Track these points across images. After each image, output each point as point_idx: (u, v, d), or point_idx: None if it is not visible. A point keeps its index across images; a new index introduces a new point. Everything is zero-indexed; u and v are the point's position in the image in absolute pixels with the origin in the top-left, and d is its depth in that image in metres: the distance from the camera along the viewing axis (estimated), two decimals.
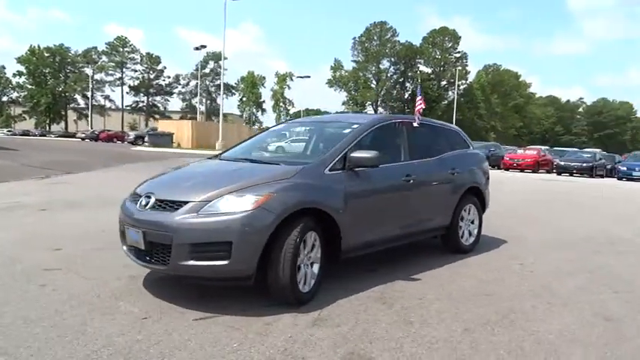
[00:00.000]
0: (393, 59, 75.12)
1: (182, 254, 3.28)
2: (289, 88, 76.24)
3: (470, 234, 5.47)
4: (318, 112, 69.35)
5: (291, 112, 78.59)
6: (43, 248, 5.00)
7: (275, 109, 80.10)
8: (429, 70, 76.10)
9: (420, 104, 4.97)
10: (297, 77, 69.20)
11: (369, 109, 76.61)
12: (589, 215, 9.75)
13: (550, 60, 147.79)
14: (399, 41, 74.63)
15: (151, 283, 3.97)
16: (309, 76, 76.83)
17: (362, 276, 4.36)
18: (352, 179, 3.96)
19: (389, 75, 76.75)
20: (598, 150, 34.19)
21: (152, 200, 3.56)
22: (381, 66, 75.64)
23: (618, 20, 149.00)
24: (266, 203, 3.34)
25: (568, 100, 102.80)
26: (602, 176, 24.78)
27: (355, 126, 4.38)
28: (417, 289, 4.10)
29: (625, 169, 23.05)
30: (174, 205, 3.44)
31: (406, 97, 77.05)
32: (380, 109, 77.00)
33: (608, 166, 26.27)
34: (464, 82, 74.15)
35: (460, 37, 74.86)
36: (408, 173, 4.54)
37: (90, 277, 4.14)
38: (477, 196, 5.57)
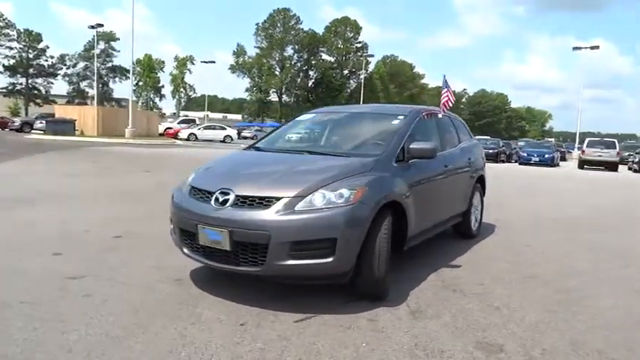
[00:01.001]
0: (297, 47, 75.23)
1: (281, 253, 3.08)
2: (190, 72, 73.14)
3: (475, 219, 5.78)
4: (216, 98, 67.51)
5: (192, 97, 75.63)
6: (39, 254, 4.35)
7: (175, 94, 76.48)
8: (332, 59, 77.52)
9: (445, 97, 5.10)
10: (201, 62, 66.52)
11: (273, 97, 76.28)
12: (537, 197, 10.79)
13: (435, 53, 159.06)
14: (302, 29, 74.92)
15: (205, 286, 3.66)
16: (213, 62, 73.64)
17: (405, 265, 4.37)
18: (411, 170, 3.98)
19: (293, 62, 76.78)
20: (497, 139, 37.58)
21: (232, 197, 3.28)
22: (285, 53, 75.42)
23: (493, 17, 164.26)
24: (363, 197, 3.25)
25: (454, 91, 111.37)
26: (503, 161, 27.31)
27: (401, 117, 4.39)
28: (467, 275, 4.25)
29: (525, 155, 25.69)
30: (264, 202, 3.20)
31: (310, 85, 77.81)
32: (284, 97, 76.98)
33: (507, 153, 29.11)
34: (365, 72, 76.75)
35: (361, 28, 77.25)
36: (446, 163, 4.68)
37: (129, 282, 3.73)
38: (481, 183, 5.89)
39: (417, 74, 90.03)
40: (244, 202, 3.25)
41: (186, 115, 58.96)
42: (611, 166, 23.51)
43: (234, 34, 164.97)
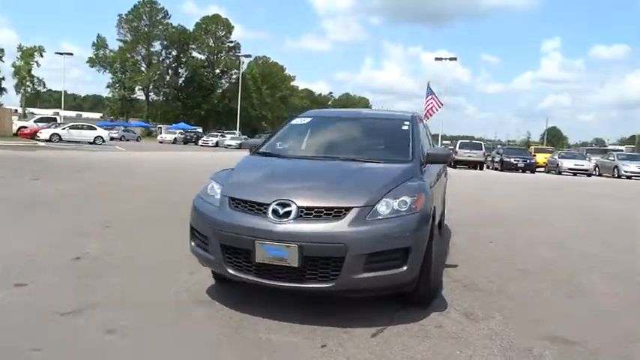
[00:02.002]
0: (165, 42, 71.25)
1: (356, 266, 2.93)
2: (38, 65, 64.90)
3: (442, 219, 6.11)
4: (65, 93, 61.13)
5: (37, 93, 67.00)
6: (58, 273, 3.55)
7: (19, 88, 67.17)
8: (203, 57, 75.07)
9: (430, 104, 5.32)
10: (56, 54, 59.41)
11: (140, 94, 71.33)
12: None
13: (300, 56, 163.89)
14: (171, 24, 71.21)
15: (237, 306, 3.33)
16: (71, 54, 65.72)
17: None
18: (425, 174, 4.08)
19: (161, 59, 72.58)
20: None
21: (294, 208, 3.03)
22: (152, 49, 70.91)
23: (353, 24, 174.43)
24: (423, 204, 3.24)
25: (320, 94, 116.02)
26: None
27: (407, 122, 4.44)
28: (471, 274, 4.48)
29: None
30: (333, 213, 3.01)
31: (180, 83, 74.38)
32: (152, 95, 72.49)
33: None
34: (237, 71, 75.74)
35: (233, 27, 76.08)
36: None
37: (147, 308, 3.23)
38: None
39: (287, 76, 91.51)
40: (309, 213, 3.02)
41: (32, 113, 52.44)
42: (479, 165, 26.63)
43: (92, 26, 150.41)
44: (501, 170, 25.45)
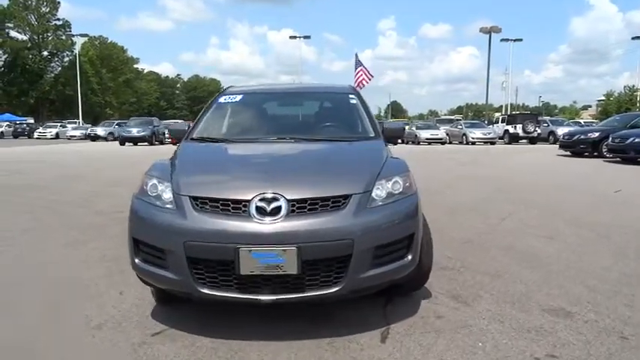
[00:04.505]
0: None
1: (364, 264, 2.49)
2: None
3: None
4: None
5: None
6: None
7: None
8: (26, 38, 65.06)
9: (360, 76, 4.94)
10: None
11: None
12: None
13: (139, 36, 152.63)
14: None
15: (192, 328, 2.67)
16: None
17: None
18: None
19: None
20: None
21: (283, 203, 2.45)
22: None
23: (195, 2, 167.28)
24: (413, 182, 2.90)
25: (167, 77, 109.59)
26: None
27: (352, 95, 4.02)
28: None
29: None
30: (330, 203, 2.51)
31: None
32: None
33: None
34: (69, 53, 67.30)
35: (59, 3, 66.90)
36: None
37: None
38: None
39: (130, 58, 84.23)
40: (303, 207, 2.48)
41: None
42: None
43: None
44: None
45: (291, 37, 42.50)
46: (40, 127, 42.31)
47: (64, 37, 66.48)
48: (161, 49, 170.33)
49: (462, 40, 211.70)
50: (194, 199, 2.55)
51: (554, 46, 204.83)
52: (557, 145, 18.68)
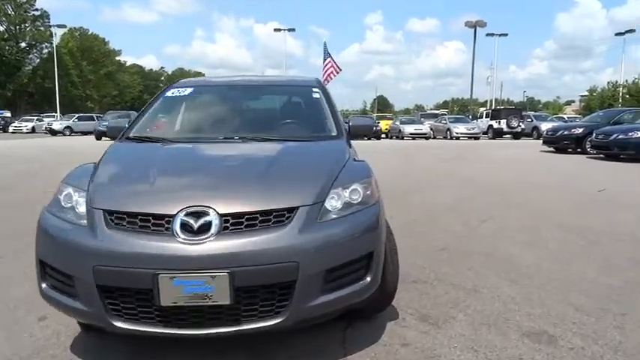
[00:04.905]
0: None
1: (312, 290, 2.10)
2: None
3: None
4: None
5: None
6: None
7: None
8: (2, 29, 63.22)
9: (330, 68, 4.52)
10: None
11: None
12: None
13: (123, 28, 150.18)
14: None
15: None
16: None
17: None
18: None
19: None
20: None
21: (214, 218, 2.04)
22: None
23: None
24: (376, 190, 2.52)
25: (152, 69, 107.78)
26: None
27: (316, 89, 3.61)
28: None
29: None
30: (272, 218, 2.11)
31: None
32: None
33: None
34: (48, 45, 65.60)
35: None
36: None
37: None
38: None
39: (112, 50, 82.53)
40: (239, 223, 2.07)
41: None
42: None
43: None
44: (351, 139, 26.26)
45: (275, 30, 41.80)
46: (16, 121, 41.11)
47: (42, 29, 64.75)
48: (146, 41, 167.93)
49: (449, 35, 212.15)
50: (109, 213, 2.12)
51: (540, 41, 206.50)
52: (541, 141, 18.50)
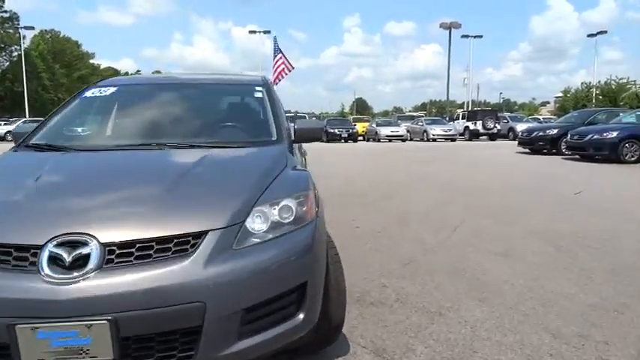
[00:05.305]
0: None
1: (227, 334, 1.68)
2: None
3: None
4: None
5: None
6: None
7: None
8: None
9: (280, 66, 4.10)
10: None
11: None
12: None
13: (98, 30, 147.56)
14: None
15: None
16: None
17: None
18: (297, 156, 2.96)
19: None
20: None
21: (95, 249, 1.59)
22: None
23: None
24: (314, 205, 2.09)
25: (127, 72, 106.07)
26: None
27: (259, 88, 3.17)
28: (358, 275, 3.56)
29: None
30: (172, 247, 1.67)
31: None
32: None
33: None
34: (18, 47, 63.73)
35: None
36: None
37: None
38: None
39: (85, 53, 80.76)
40: (127, 254, 1.63)
41: None
42: None
43: None
44: (327, 142, 25.93)
45: (250, 32, 41.17)
46: None
47: (11, 31, 62.87)
48: (121, 44, 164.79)
49: (426, 38, 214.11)
50: None
51: (515, 44, 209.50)
52: (517, 142, 18.41)
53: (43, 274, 1.55)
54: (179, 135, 2.71)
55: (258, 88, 3.17)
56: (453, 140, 26.85)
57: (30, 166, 2.30)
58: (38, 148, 2.57)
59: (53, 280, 1.54)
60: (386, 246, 4.43)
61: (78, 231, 1.62)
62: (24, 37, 57.57)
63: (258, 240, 1.81)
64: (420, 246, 4.44)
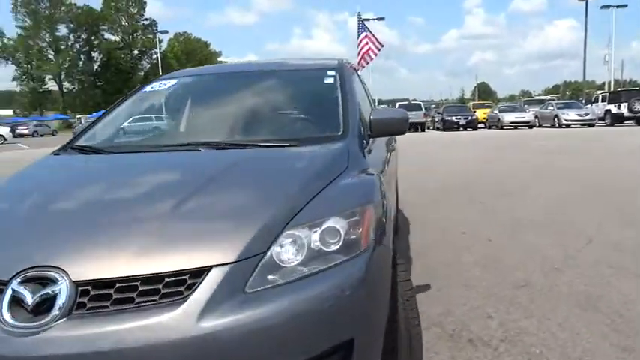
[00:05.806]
0: (71, 25, 64.84)
1: None
2: None
3: None
4: None
5: None
6: None
7: None
8: (118, 39, 69.27)
9: (366, 46, 3.60)
10: None
11: (52, 84, 65.09)
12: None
13: (226, 30, 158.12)
14: (75, 4, 64.75)
15: None
16: None
17: None
18: (372, 154, 2.38)
19: (70, 44, 66.19)
20: None
21: (64, 290, 1.24)
22: (57, 33, 64.31)
23: None
24: (374, 226, 1.53)
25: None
26: None
27: (331, 73, 2.67)
28: (459, 301, 2.90)
29: None
30: (162, 287, 1.26)
31: (96, 68, 68.56)
32: (66, 84, 66.26)
33: None
34: (156, 51, 70.80)
35: (145, 3, 70.33)
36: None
37: None
38: None
39: (213, 52, 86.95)
40: (103, 297, 1.25)
41: None
42: (420, 126, 25.55)
43: None
44: (443, 130, 24.54)
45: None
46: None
47: (151, 36, 69.79)
48: (246, 41, 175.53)
49: (560, 12, 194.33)
50: None
51: None
52: None
53: (1, 319, 1.23)
54: (221, 132, 2.33)
55: (330, 73, 2.65)
56: (591, 126, 23.68)
57: (49, 175, 2.07)
58: (80, 150, 2.34)
59: (10, 329, 1.21)
60: (496, 259, 3.67)
61: (46, 264, 1.28)
62: (161, 41, 63.61)
63: (281, 280, 1.31)
64: (541, 262, 3.60)
